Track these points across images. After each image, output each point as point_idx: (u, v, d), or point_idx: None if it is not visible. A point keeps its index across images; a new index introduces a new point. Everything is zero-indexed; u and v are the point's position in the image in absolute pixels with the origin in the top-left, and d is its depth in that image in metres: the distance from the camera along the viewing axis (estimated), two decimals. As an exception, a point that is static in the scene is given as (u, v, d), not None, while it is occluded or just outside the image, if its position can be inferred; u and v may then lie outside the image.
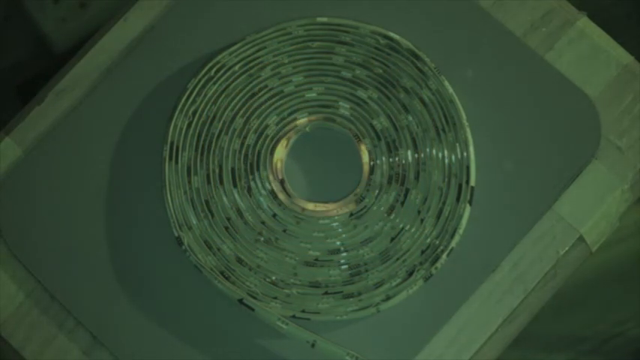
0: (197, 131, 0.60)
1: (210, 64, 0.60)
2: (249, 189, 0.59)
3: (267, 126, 0.60)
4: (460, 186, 0.58)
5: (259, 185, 0.59)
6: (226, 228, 0.59)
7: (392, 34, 0.60)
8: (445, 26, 0.61)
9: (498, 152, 0.60)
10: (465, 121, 0.59)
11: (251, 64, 0.61)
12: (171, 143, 0.59)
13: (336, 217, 0.59)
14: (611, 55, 0.61)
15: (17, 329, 0.59)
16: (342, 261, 0.58)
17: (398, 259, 0.58)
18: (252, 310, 0.56)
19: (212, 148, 0.60)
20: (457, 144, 0.59)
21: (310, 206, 0.59)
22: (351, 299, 0.57)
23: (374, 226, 0.58)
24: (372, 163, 0.59)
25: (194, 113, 0.60)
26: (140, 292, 0.58)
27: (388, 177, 0.59)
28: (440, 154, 0.59)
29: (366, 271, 0.57)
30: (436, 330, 0.57)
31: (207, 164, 0.59)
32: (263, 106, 0.60)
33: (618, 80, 0.61)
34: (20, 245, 0.59)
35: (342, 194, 0.59)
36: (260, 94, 0.60)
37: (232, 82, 0.60)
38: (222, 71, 0.60)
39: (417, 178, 0.59)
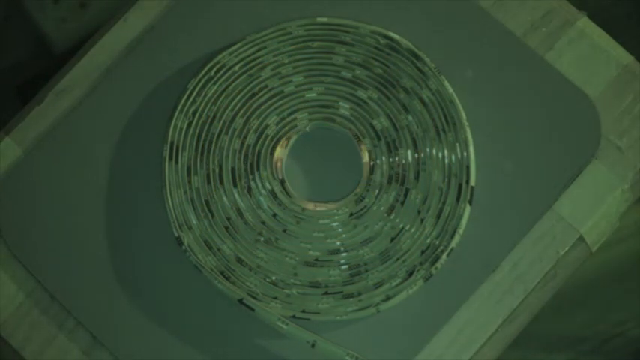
0: (197, 131, 0.60)
1: (210, 64, 0.60)
2: (249, 189, 0.59)
3: (267, 126, 0.60)
4: (460, 186, 0.58)
5: (259, 185, 0.59)
6: (226, 228, 0.59)
7: (392, 34, 0.60)
8: (445, 26, 0.61)
9: (498, 152, 0.60)
10: (465, 121, 0.59)
11: (251, 64, 0.61)
12: (171, 143, 0.59)
13: (336, 217, 0.59)
14: (611, 55, 0.61)
15: (17, 329, 0.59)
16: (342, 261, 0.58)
17: (398, 259, 0.58)
18: (252, 310, 0.56)
19: (212, 148, 0.60)
20: (457, 144, 0.59)
21: (310, 206, 0.59)
22: (351, 299, 0.57)
23: (374, 226, 0.58)
24: (372, 163, 0.59)
25: (194, 113, 0.60)
26: (140, 292, 0.58)
27: (388, 177, 0.59)
28: (440, 154, 0.59)
29: (366, 271, 0.57)
30: (436, 330, 0.57)
31: (207, 164, 0.59)
32: (263, 106, 0.60)
33: (618, 80, 0.61)
34: (20, 245, 0.59)
35: (342, 194, 0.59)
36: (260, 94, 0.60)
37: (232, 82, 0.60)
38: (222, 71, 0.60)
39: (417, 178, 0.59)
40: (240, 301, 0.56)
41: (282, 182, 0.60)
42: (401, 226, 0.58)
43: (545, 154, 0.59)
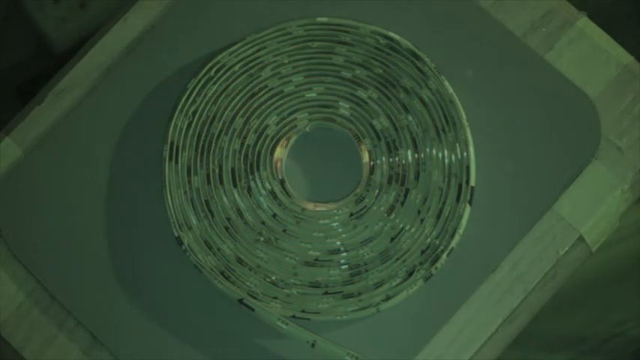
0: (197, 131, 0.60)
1: (210, 64, 0.60)
2: (249, 189, 0.59)
3: (267, 126, 0.60)
4: (460, 186, 0.58)
5: (259, 185, 0.59)
6: (226, 228, 0.59)
7: (392, 34, 0.60)
8: (445, 26, 0.61)
9: (498, 152, 0.60)
10: (465, 121, 0.59)
11: (251, 64, 0.61)
12: (171, 143, 0.59)
13: (336, 217, 0.59)
14: (611, 55, 0.61)
15: (17, 329, 0.59)
16: (342, 261, 0.58)
17: (398, 259, 0.58)
18: (252, 310, 0.56)
19: (212, 148, 0.60)
20: (457, 144, 0.59)
21: (310, 206, 0.59)
22: (351, 299, 0.57)
23: (374, 226, 0.58)
24: (372, 163, 0.59)
25: (194, 113, 0.60)
26: (140, 292, 0.58)
27: (388, 177, 0.59)
28: (440, 154, 0.59)
29: (366, 271, 0.57)
30: (436, 330, 0.57)
31: (207, 164, 0.59)
32: (263, 106, 0.60)
33: (618, 80, 0.61)
34: (20, 245, 0.59)
35: (342, 194, 0.59)
36: (260, 94, 0.60)
37: (232, 82, 0.60)
38: (222, 71, 0.60)
39: (417, 178, 0.59)
40: (240, 301, 0.56)
41: (282, 182, 0.60)
42: (401, 226, 0.58)
43: (545, 154, 0.59)
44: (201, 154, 0.60)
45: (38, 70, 1.01)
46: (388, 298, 0.57)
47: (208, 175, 0.59)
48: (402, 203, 0.59)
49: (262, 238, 0.58)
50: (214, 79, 0.60)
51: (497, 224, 0.59)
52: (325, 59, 0.61)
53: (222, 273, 0.58)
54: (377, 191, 0.59)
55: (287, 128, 0.60)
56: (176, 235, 0.58)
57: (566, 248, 0.59)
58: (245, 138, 0.60)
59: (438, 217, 0.58)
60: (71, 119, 0.61)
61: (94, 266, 0.59)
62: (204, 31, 0.62)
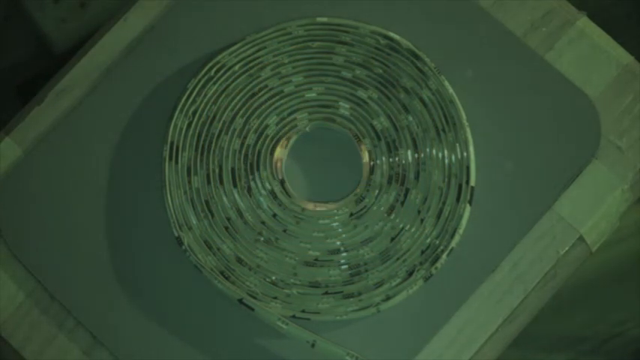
0: (197, 131, 0.60)
1: (210, 64, 0.60)
2: (249, 189, 0.59)
3: (267, 126, 0.60)
4: (460, 186, 0.58)
5: (259, 185, 0.59)
6: (226, 228, 0.59)
7: (392, 34, 0.60)
8: (445, 26, 0.61)
9: (498, 152, 0.60)
10: (465, 121, 0.59)
11: (251, 64, 0.61)
12: (171, 143, 0.59)
13: (336, 217, 0.59)
14: (611, 55, 0.61)
15: (17, 329, 0.59)
16: (342, 261, 0.58)
17: (398, 259, 0.58)
18: (252, 310, 0.56)
19: (212, 148, 0.60)
20: (457, 144, 0.59)
21: (310, 206, 0.59)
22: (351, 299, 0.57)
23: (374, 226, 0.58)
24: (372, 163, 0.59)
25: (194, 113, 0.60)
26: (140, 292, 0.58)
27: (388, 177, 0.59)
28: (440, 154, 0.59)
29: (366, 271, 0.57)
30: (436, 330, 0.57)
31: (207, 164, 0.59)
32: (263, 106, 0.60)
33: (618, 80, 0.61)
34: (20, 245, 0.59)
35: (342, 194, 0.59)
36: (260, 94, 0.60)
37: (232, 82, 0.60)
38: (222, 71, 0.60)
39: (417, 178, 0.59)
40: (240, 301, 0.56)
41: (282, 182, 0.60)
42: (401, 226, 0.58)
43: (545, 154, 0.59)
44: (201, 154, 0.60)
45: (38, 70, 1.01)
46: (388, 298, 0.57)
47: (208, 175, 0.59)
48: (402, 203, 0.59)
49: (262, 238, 0.58)
50: (214, 79, 0.60)
51: (497, 224, 0.59)
52: (325, 59, 0.61)
53: (222, 273, 0.58)
54: (377, 191, 0.59)
55: (287, 128, 0.60)
56: (176, 235, 0.58)
57: (566, 248, 0.59)
58: (245, 138, 0.60)
59: (438, 217, 0.58)
60: (71, 119, 0.61)
61: (94, 266, 0.59)
62: (204, 31, 0.62)
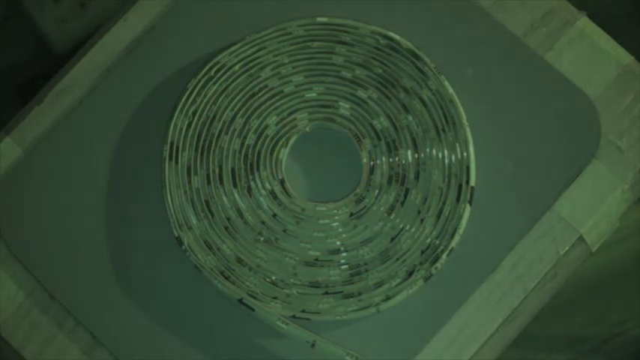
0: (197, 131, 0.60)
1: (210, 64, 0.60)
2: (249, 189, 0.59)
3: (267, 126, 0.60)
4: (460, 186, 0.58)
5: (259, 185, 0.59)
6: (226, 228, 0.59)
7: (392, 34, 0.60)
8: (445, 26, 0.61)
9: (498, 152, 0.60)
10: (465, 121, 0.59)
11: (251, 64, 0.61)
12: (171, 143, 0.60)
13: (336, 217, 0.59)
14: (611, 55, 0.61)
15: (17, 329, 0.59)
16: (342, 261, 0.58)
17: (398, 259, 0.58)
18: (252, 310, 0.56)
19: (212, 148, 0.60)
20: (457, 144, 0.59)
21: (310, 206, 0.59)
22: (351, 299, 0.57)
23: (374, 226, 0.58)
24: (372, 163, 0.59)
25: (194, 113, 0.60)
26: (140, 292, 0.58)
27: (388, 177, 0.59)
28: (440, 154, 0.59)
29: (366, 271, 0.57)
30: (436, 330, 0.57)
31: (207, 164, 0.59)
32: (263, 106, 0.60)
33: (618, 80, 0.61)
34: (20, 245, 0.59)
35: (342, 194, 0.59)
36: (260, 94, 0.60)
37: (232, 82, 0.60)
38: (222, 71, 0.60)
39: (417, 178, 0.59)
40: (240, 301, 0.56)
41: (282, 182, 0.60)
42: (401, 226, 0.58)
43: (545, 154, 0.59)
44: (201, 154, 0.60)
45: (38, 70, 1.01)
46: (388, 298, 0.57)
47: (208, 175, 0.59)
48: (402, 203, 0.59)
49: (262, 238, 0.58)
50: (214, 79, 0.60)
51: (497, 224, 0.59)
52: (325, 59, 0.61)
53: (222, 273, 0.58)
54: (377, 191, 0.59)
55: (287, 128, 0.60)
56: (176, 235, 0.58)
57: (566, 248, 0.59)
58: (245, 138, 0.60)
59: (438, 217, 0.58)
60: (71, 119, 0.61)
61: (94, 266, 0.59)
62: (204, 31, 0.62)
